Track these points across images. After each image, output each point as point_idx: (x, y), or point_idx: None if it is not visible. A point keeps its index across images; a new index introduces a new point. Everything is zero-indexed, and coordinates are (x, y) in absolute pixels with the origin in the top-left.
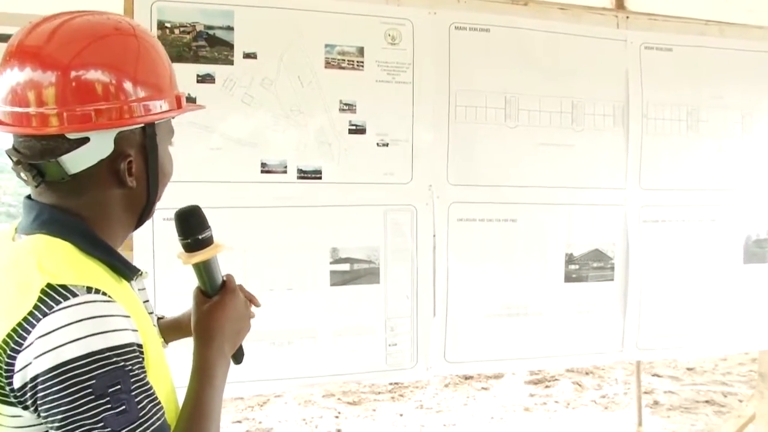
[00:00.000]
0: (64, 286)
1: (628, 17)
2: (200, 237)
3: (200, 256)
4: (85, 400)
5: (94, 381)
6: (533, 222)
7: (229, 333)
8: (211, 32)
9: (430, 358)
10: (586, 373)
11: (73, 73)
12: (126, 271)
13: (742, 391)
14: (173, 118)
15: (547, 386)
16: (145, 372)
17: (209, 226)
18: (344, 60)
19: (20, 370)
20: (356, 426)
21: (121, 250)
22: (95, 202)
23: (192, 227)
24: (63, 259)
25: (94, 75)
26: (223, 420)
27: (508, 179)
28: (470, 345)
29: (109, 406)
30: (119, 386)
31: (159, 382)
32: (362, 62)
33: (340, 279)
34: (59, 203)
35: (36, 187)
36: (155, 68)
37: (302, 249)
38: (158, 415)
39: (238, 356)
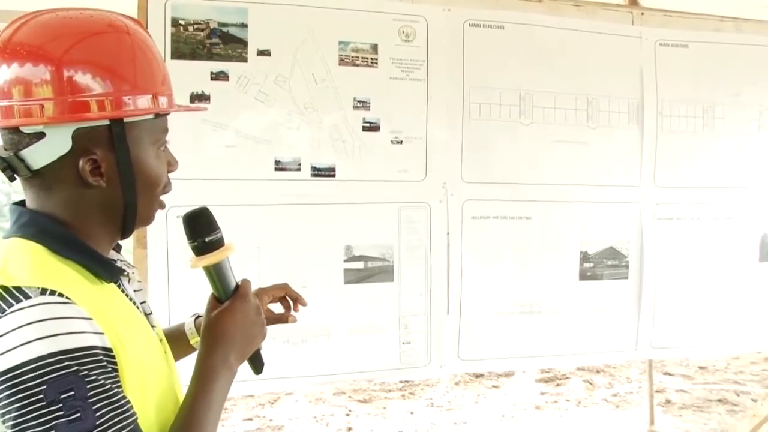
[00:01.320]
0: (18, 288)
1: (642, 13)
2: (207, 239)
3: (208, 260)
4: (35, 406)
5: (45, 387)
6: (548, 220)
7: (237, 341)
8: (224, 29)
9: (444, 355)
10: (597, 372)
11: (24, 65)
12: (103, 272)
13: (755, 390)
14: (152, 117)
15: (558, 384)
16: (110, 377)
17: (218, 228)
18: (358, 57)
19: None
20: (367, 424)
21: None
22: (67, 202)
23: (199, 229)
24: (27, 261)
25: (45, 68)
26: (233, 417)
27: (523, 177)
28: (484, 343)
29: (61, 413)
30: (72, 392)
31: (145, 387)
32: (376, 59)
33: (353, 277)
34: (38, 206)
35: (10, 181)
36: (124, 63)
37: (316, 247)
38: (123, 425)
39: (257, 365)
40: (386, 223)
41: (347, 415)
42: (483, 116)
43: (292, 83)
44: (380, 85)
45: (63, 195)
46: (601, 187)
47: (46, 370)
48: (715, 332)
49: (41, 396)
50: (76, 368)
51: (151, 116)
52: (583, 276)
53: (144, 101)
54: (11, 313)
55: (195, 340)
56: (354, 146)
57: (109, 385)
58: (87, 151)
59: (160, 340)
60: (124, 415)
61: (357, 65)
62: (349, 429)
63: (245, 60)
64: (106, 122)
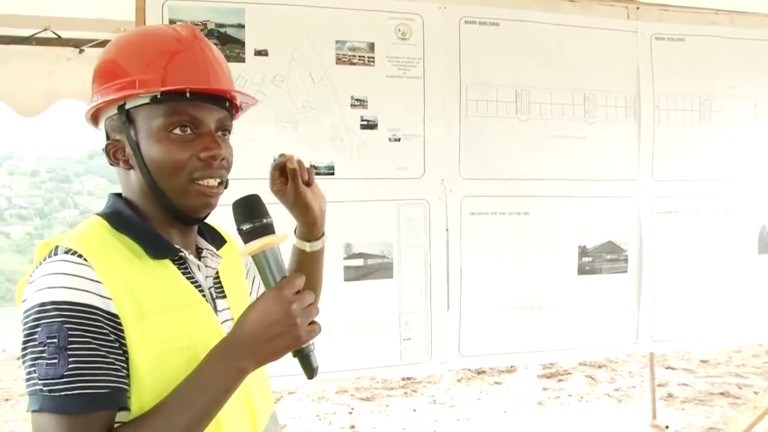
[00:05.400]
0: (56, 247)
1: (638, 8)
2: (245, 228)
3: (246, 249)
4: (32, 343)
5: (39, 329)
6: (546, 215)
7: (249, 338)
8: (222, 30)
9: (445, 352)
10: (599, 367)
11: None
12: (149, 249)
13: (757, 382)
14: (147, 101)
15: (560, 380)
16: (102, 339)
17: (256, 218)
18: (355, 56)
19: None
20: (370, 422)
21: None
22: (125, 186)
23: (238, 218)
24: (81, 231)
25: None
26: None
27: (521, 172)
28: (484, 338)
29: (44, 355)
30: (55, 340)
31: (169, 361)
32: (373, 58)
33: (353, 274)
34: (121, 190)
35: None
36: (122, 56)
37: None
38: (92, 384)
39: (306, 367)
40: (385, 220)
41: (350, 413)
42: (480, 113)
43: (290, 83)
44: (377, 84)
45: (122, 180)
46: (599, 181)
47: (41, 315)
48: (715, 325)
49: (36, 335)
50: (62, 320)
51: (146, 100)
52: (582, 270)
53: (126, 86)
54: (42, 265)
55: (306, 245)
56: (352, 144)
57: (95, 345)
58: (109, 137)
59: (223, 323)
60: (98, 376)
61: (354, 64)
62: (352, 427)
63: (243, 60)
64: (115, 111)
